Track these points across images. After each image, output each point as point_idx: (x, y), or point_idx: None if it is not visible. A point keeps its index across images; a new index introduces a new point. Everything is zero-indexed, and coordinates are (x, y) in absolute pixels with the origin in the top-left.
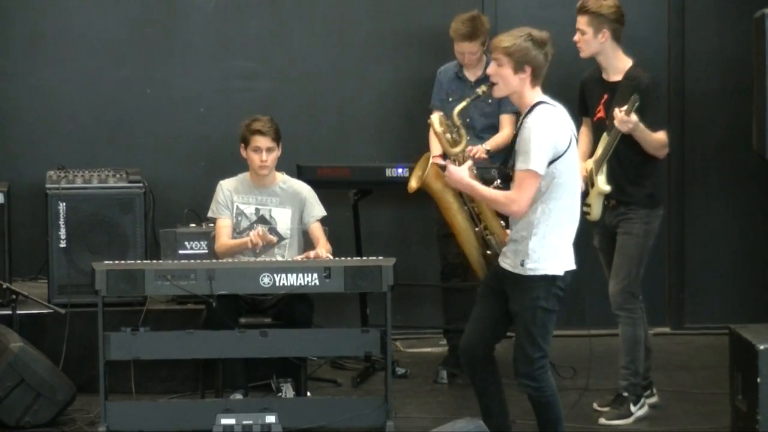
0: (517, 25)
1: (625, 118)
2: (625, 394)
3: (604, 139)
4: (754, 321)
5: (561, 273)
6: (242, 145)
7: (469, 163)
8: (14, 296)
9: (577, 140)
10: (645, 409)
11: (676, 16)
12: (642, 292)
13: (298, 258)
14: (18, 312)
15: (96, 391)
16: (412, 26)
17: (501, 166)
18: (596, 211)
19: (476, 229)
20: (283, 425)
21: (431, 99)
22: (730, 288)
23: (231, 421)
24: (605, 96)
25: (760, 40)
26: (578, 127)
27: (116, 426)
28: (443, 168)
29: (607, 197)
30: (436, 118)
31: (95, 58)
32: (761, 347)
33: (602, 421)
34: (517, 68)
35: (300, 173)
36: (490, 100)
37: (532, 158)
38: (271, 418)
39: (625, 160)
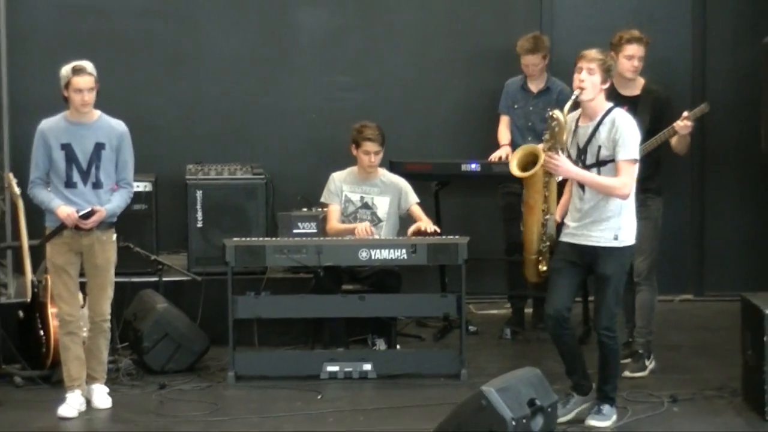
0: (568, 46)
1: (689, 123)
2: (641, 351)
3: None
4: (762, 289)
5: (634, 242)
6: (353, 145)
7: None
8: (160, 266)
9: None
10: (654, 363)
11: (698, 40)
12: (667, 266)
13: (410, 231)
14: (163, 279)
15: (226, 343)
16: (483, 46)
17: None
18: None
19: (542, 207)
20: (377, 372)
21: (499, 106)
22: (742, 262)
23: (335, 368)
24: (624, 108)
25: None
26: None
27: (242, 371)
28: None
29: None
30: (559, 113)
31: (224, 73)
32: (767, 311)
33: (626, 373)
34: (604, 79)
35: (392, 168)
36: (549, 108)
37: (632, 149)
38: (367, 367)
39: (650, 157)
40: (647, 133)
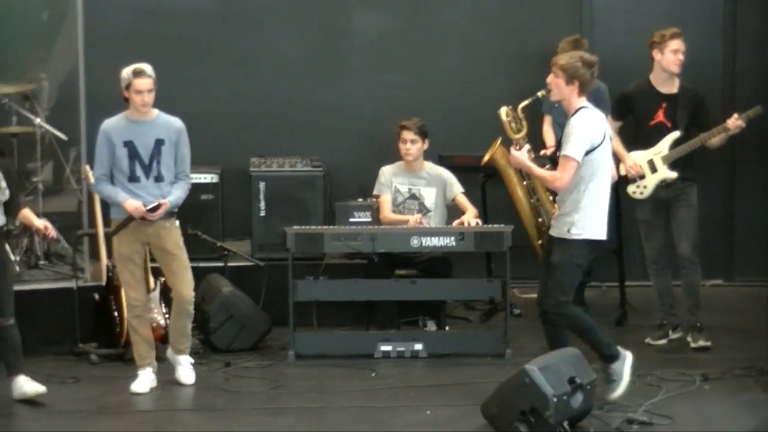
0: (607, 48)
1: (742, 123)
2: (699, 324)
3: (671, 137)
4: None
5: (596, 237)
6: (398, 138)
7: (528, 146)
8: (225, 252)
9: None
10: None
11: (728, 41)
12: (698, 253)
13: (454, 225)
14: (228, 264)
15: (286, 324)
16: (527, 48)
17: (552, 154)
18: (649, 192)
19: (531, 200)
20: (428, 351)
21: (542, 105)
22: None
23: (388, 348)
24: (664, 105)
25: None
26: None
27: (302, 351)
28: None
29: (666, 180)
30: (503, 110)
31: (285, 72)
32: None
33: (701, 343)
34: (568, 81)
35: (441, 161)
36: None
37: (572, 147)
38: (418, 346)
39: (691, 150)
40: (686, 129)
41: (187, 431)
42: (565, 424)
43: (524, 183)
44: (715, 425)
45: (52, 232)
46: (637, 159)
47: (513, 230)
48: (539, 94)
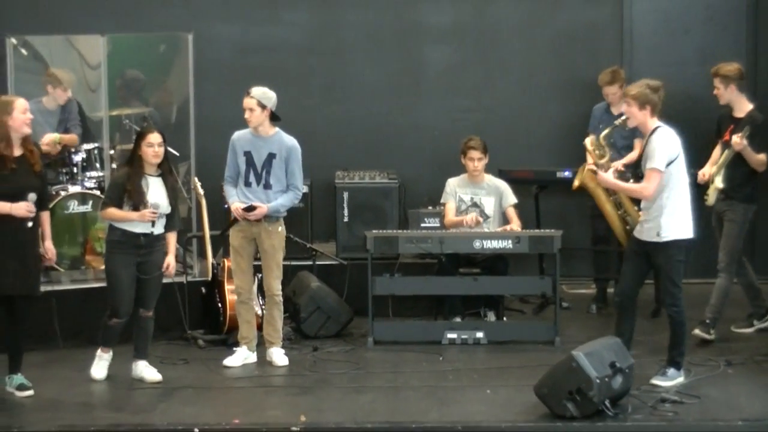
0: (645, 76)
1: (739, 141)
2: (708, 321)
3: (724, 154)
4: None
5: (685, 236)
6: (462, 155)
7: (612, 167)
8: (314, 252)
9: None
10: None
11: (751, 68)
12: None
13: (498, 230)
14: (316, 263)
15: (366, 314)
16: (575, 77)
17: (634, 171)
18: (711, 200)
19: (619, 212)
20: (488, 339)
21: (588, 126)
22: None
23: (454, 335)
24: (731, 126)
25: None
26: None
27: (379, 337)
28: (595, 173)
29: (720, 191)
30: (588, 140)
31: (366, 97)
32: None
33: (701, 334)
34: (641, 107)
35: (500, 174)
36: (627, 128)
37: (656, 160)
38: (480, 334)
39: (737, 169)
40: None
41: (280, 406)
42: (607, 402)
43: (611, 198)
44: (738, 404)
45: (172, 271)
46: (705, 171)
47: (562, 234)
48: (616, 122)
